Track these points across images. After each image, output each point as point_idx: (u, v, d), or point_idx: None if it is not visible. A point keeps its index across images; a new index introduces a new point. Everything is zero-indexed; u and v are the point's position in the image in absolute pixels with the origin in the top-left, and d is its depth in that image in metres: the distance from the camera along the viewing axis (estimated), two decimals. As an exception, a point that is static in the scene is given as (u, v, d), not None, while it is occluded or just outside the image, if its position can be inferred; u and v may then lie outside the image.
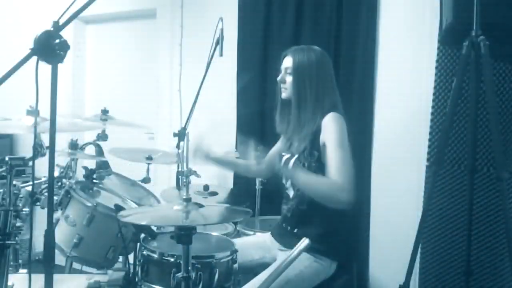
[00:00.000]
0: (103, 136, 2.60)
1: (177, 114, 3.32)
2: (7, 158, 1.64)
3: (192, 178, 2.39)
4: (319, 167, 1.82)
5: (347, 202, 1.66)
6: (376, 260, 2.68)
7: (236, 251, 1.76)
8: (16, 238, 1.63)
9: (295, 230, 1.92)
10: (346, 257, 2.01)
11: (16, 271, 1.84)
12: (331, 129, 1.79)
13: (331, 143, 1.77)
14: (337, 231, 1.93)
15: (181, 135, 2.23)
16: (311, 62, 1.89)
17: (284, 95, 1.97)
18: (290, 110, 1.95)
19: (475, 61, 1.83)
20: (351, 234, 2.58)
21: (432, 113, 2.40)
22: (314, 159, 1.84)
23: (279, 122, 2.04)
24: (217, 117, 2.22)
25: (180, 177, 2.36)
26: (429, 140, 2.41)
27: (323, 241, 1.84)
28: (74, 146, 2.29)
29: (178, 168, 2.36)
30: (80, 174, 2.41)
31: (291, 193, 1.98)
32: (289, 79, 1.94)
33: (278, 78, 1.98)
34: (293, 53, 1.94)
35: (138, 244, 1.76)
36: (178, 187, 2.38)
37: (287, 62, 1.94)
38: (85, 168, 2.39)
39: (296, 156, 1.90)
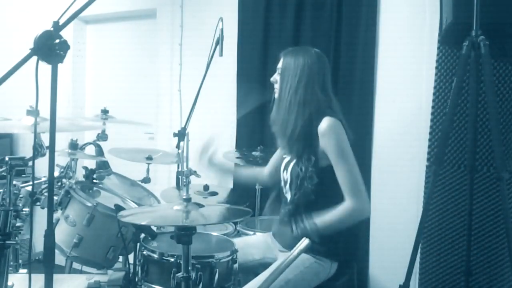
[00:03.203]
0: (103, 136, 2.59)
1: (177, 114, 3.32)
2: (7, 158, 1.64)
3: (192, 178, 2.38)
4: (316, 171, 1.84)
5: (368, 213, 1.83)
6: (376, 260, 2.68)
7: (236, 251, 1.76)
8: (16, 238, 1.63)
9: (293, 233, 1.92)
10: (346, 257, 2.01)
11: (16, 271, 1.83)
12: (330, 141, 1.80)
13: (333, 156, 1.80)
14: (336, 232, 1.93)
15: (181, 135, 2.23)
16: (297, 64, 1.88)
17: (276, 95, 1.98)
18: None
19: (475, 61, 1.83)
20: (350, 235, 2.58)
21: (432, 113, 2.40)
22: (311, 164, 1.85)
23: (272, 122, 2.04)
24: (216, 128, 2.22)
25: (180, 177, 2.35)
26: (429, 140, 2.41)
27: (323, 242, 1.83)
28: (74, 146, 2.29)
29: (178, 168, 2.36)
30: (80, 174, 2.41)
31: (288, 197, 1.98)
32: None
33: (271, 79, 2.00)
34: (285, 54, 1.96)
35: (138, 244, 1.76)
36: (178, 187, 2.37)
37: (280, 63, 1.96)
38: (85, 168, 2.38)
39: (295, 160, 1.91)
